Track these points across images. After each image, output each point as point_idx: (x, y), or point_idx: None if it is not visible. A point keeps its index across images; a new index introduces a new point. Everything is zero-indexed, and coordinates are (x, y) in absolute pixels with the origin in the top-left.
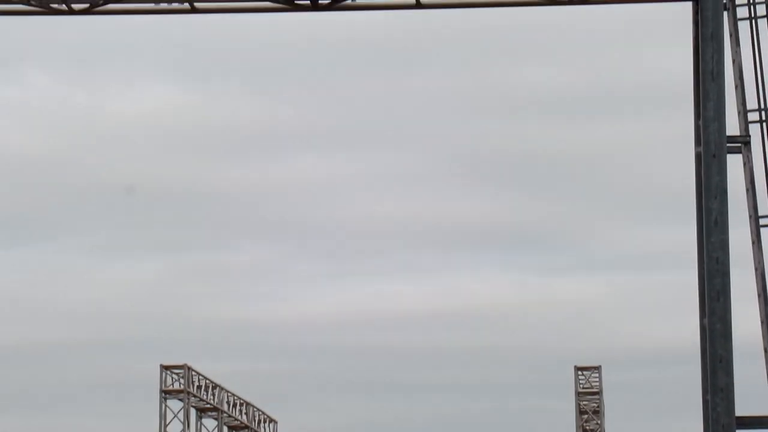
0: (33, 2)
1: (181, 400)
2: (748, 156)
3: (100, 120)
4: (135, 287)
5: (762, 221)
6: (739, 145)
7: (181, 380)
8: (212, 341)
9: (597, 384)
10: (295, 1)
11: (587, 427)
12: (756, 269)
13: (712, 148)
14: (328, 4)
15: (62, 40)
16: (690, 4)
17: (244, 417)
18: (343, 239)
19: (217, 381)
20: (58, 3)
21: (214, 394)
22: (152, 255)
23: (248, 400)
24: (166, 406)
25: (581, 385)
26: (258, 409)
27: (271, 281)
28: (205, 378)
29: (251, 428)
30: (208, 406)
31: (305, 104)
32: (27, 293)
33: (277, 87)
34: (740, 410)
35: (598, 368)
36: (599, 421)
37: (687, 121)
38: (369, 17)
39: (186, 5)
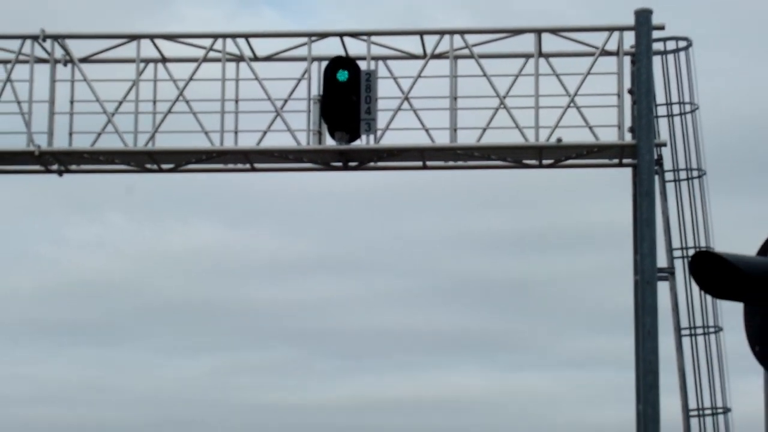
0: (132, 164)
1: None
2: (672, 283)
3: (162, 251)
4: (189, 380)
5: (682, 332)
6: (667, 275)
7: None
8: (252, 422)
9: None
10: (331, 163)
11: None
12: (678, 369)
13: (647, 277)
14: (356, 165)
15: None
16: (630, 169)
17: None
18: (351, 343)
19: None
20: (150, 163)
21: None
22: (202, 354)
23: None
24: None
25: None
26: None
27: (297, 375)
28: None
29: None
30: None
31: (321, 239)
32: (110, 382)
33: (299, 227)
34: None
35: None
36: None
37: (626, 256)
38: (380, 176)
39: (248, 165)
